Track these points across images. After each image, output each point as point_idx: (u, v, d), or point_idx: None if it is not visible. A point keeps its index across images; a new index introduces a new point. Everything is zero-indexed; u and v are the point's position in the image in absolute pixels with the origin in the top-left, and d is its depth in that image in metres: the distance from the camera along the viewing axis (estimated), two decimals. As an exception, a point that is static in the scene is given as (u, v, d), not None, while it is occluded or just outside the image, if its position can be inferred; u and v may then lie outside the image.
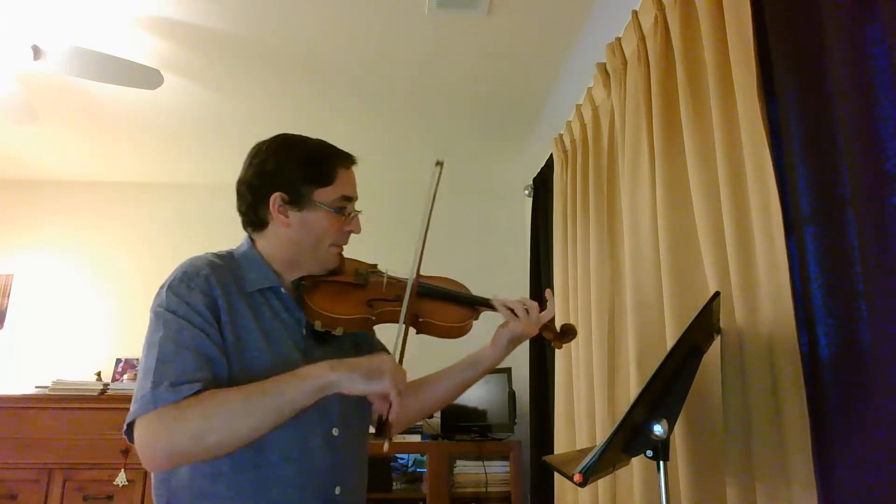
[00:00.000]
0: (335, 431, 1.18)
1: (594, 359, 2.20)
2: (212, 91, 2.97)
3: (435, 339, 1.34)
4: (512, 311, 1.36)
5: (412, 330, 1.29)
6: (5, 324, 3.72)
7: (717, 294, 1.38)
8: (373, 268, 1.37)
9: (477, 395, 3.35)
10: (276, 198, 1.22)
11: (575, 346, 2.47)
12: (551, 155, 3.14)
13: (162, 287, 1.15)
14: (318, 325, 1.22)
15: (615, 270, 2.17)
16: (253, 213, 1.25)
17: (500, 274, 3.80)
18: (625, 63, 2.10)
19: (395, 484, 3.25)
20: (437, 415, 3.42)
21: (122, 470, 3.03)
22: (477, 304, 1.38)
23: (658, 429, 1.18)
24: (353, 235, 1.31)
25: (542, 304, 1.40)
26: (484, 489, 3.16)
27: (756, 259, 1.36)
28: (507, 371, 3.29)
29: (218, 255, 1.24)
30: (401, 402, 1.10)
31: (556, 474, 2.64)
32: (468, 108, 3.14)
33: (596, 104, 2.45)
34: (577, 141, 2.64)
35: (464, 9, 2.35)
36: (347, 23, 2.46)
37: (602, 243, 2.24)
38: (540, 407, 3.10)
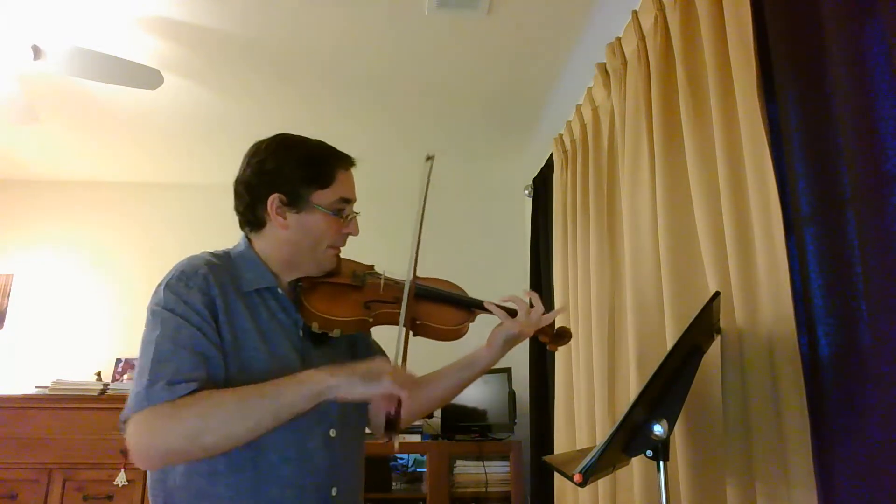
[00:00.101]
0: (333, 432, 1.18)
1: (594, 359, 2.20)
2: (212, 91, 2.97)
3: (429, 340, 1.34)
4: (507, 312, 1.36)
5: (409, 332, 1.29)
6: (5, 324, 3.72)
7: (717, 294, 1.38)
8: (370, 269, 1.37)
9: (477, 395, 3.35)
10: (274, 199, 1.21)
11: (575, 346, 2.47)
12: (551, 155, 3.14)
13: (160, 285, 1.15)
14: (315, 326, 1.22)
15: (615, 270, 2.17)
16: (250, 214, 1.25)
17: (500, 274, 3.80)
18: (625, 63, 2.10)
19: (394, 484, 3.25)
20: (437, 415, 3.42)
21: (122, 470, 3.03)
22: (473, 307, 1.37)
23: (658, 429, 1.18)
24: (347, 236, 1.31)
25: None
26: (484, 489, 3.15)
27: (756, 259, 1.36)
28: (507, 371, 3.29)
29: (215, 255, 1.23)
30: (409, 397, 1.07)
31: (556, 474, 2.64)
32: (468, 109, 3.14)
33: (596, 104, 2.45)
34: (577, 141, 2.64)
35: (464, 9, 2.34)
36: (347, 23, 2.46)
37: (602, 243, 2.24)
38: (540, 407, 3.10)
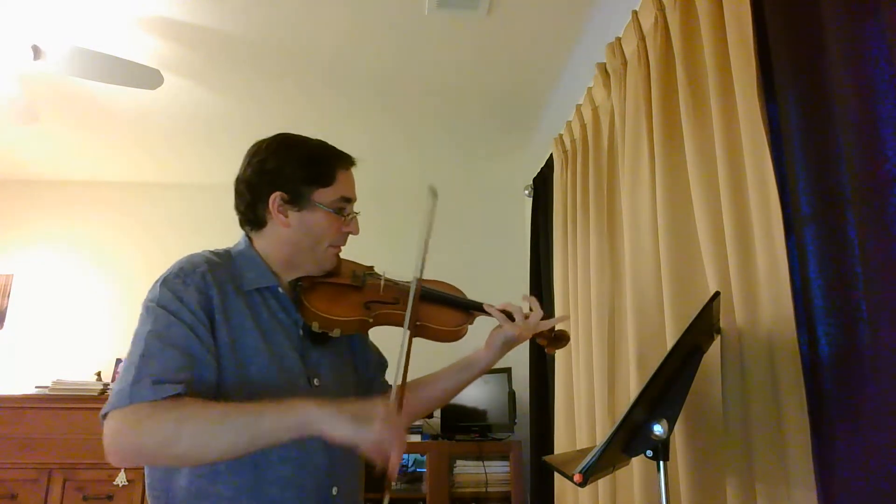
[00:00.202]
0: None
1: (594, 359, 2.20)
2: (212, 91, 2.97)
3: (429, 342, 1.34)
4: (506, 315, 1.36)
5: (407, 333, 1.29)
6: (5, 324, 3.72)
7: (717, 294, 1.38)
8: (370, 270, 1.37)
9: (477, 395, 3.35)
10: (275, 197, 1.22)
11: (575, 347, 2.46)
12: (551, 155, 3.14)
13: (157, 282, 1.14)
14: (315, 326, 1.22)
15: (615, 270, 2.17)
16: (251, 212, 1.25)
17: (500, 274, 3.80)
18: (625, 63, 2.10)
19: (394, 484, 3.24)
20: (437, 415, 3.42)
21: (122, 470, 3.03)
22: (472, 309, 1.38)
23: (658, 429, 1.18)
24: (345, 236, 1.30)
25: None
26: (484, 489, 3.16)
27: (756, 259, 1.36)
28: (507, 371, 3.29)
29: (216, 253, 1.23)
30: (399, 454, 1.00)
31: (556, 474, 2.64)
32: (468, 109, 3.14)
33: (596, 104, 2.45)
34: (577, 141, 2.64)
35: (464, 9, 2.34)
36: (347, 23, 2.46)
37: (602, 243, 2.24)
38: (540, 407, 3.10)
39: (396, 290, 1.31)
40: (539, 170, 3.41)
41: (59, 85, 2.89)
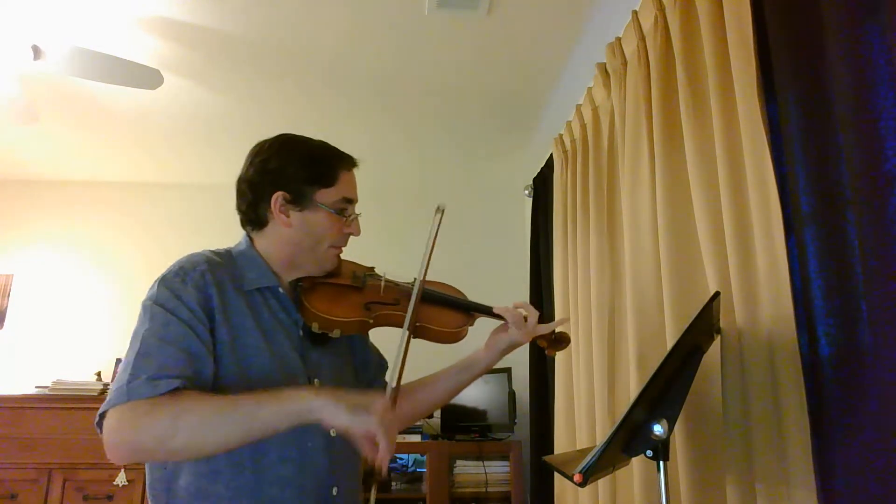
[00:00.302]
0: (333, 432, 1.18)
1: (594, 359, 2.20)
2: (212, 91, 2.97)
3: (429, 342, 1.34)
4: (508, 318, 1.36)
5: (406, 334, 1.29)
6: (5, 324, 3.72)
7: (717, 294, 1.38)
8: (370, 270, 1.37)
9: (477, 395, 3.35)
10: (277, 197, 1.22)
11: (575, 347, 2.46)
12: (551, 155, 3.14)
13: (156, 280, 1.15)
14: (315, 326, 1.22)
15: (615, 270, 2.17)
16: (253, 212, 1.25)
17: (500, 274, 3.80)
18: (625, 63, 2.10)
19: (394, 484, 3.24)
20: (437, 415, 3.42)
21: (122, 470, 3.03)
22: (473, 310, 1.38)
23: (658, 429, 1.18)
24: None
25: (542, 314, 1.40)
26: (484, 489, 3.16)
27: (756, 259, 1.36)
28: (507, 371, 3.29)
29: (216, 253, 1.24)
30: (389, 448, 0.99)
31: (556, 474, 2.64)
32: (468, 109, 3.14)
33: (596, 104, 2.45)
34: (577, 141, 2.64)
35: (464, 9, 2.34)
36: (347, 23, 2.46)
37: (602, 243, 2.24)
38: (540, 407, 3.10)
39: (397, 291, 1.31)
40: (539, 170, 3.41)
41: (59, 85, 2.89)
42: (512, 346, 1.37)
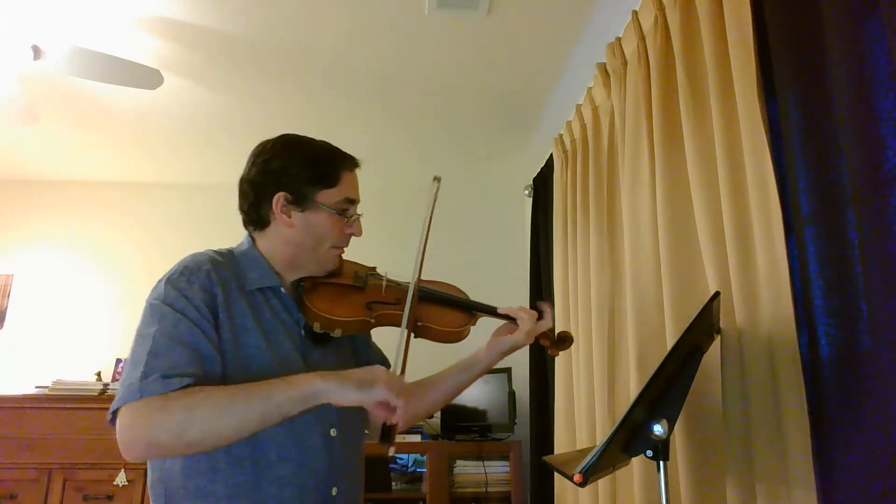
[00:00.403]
0: (333, 432, 1.18)
1: (594, 359, 2.20)
2: (212, 91, 2.97)
3: (430, 342, 1.34)
4: (510, 318, 1.36)
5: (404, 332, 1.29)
6: (5, 324, 3.72)
7: (717, 294, 1.38)
8: (371, 270, 1.37)
9: (477, 395, 3.35)
10: (279, 197, 1.22)
11: (575, 347, 2.46)
12: (551, 155, 3.14)
13: (160, 280, 1.15)
14: (316, 326, 1.22)
15: (615, 270, 2.17)
16: (255, 212, 1.26)
17: (500, 274, 3.80)
18: (625, 63, 2.10)
19: (394, 484, 3.25)
20: (437, 415, 3.42)
21: (122, 470, 3.03)
22: (475, 310, 1.38)
23: (658, 429, 1.18)
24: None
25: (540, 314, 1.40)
26: (484, 489, 3.16)
27: (756, 259, 1.36)
28: (507, 371, 3.29)
29: (219, 253, 1.24)
30: (405, 405, 1.05)
31: (556, 474, 2.64)
32: (468, 109, 3.14)
33: (596, 104, 2.45)
34: (577, 141, 2.64)
35: (464, 9, 2.34)
36: (347, 23, 2.46)
37: (602, 243, 2.24)
38: (540, 407, 3.10)
39: (398, 291, 1.31)
40: (539, 170, 3.42)
41: (59, 85, 2.89)
42: (514, 348, 1.37)
